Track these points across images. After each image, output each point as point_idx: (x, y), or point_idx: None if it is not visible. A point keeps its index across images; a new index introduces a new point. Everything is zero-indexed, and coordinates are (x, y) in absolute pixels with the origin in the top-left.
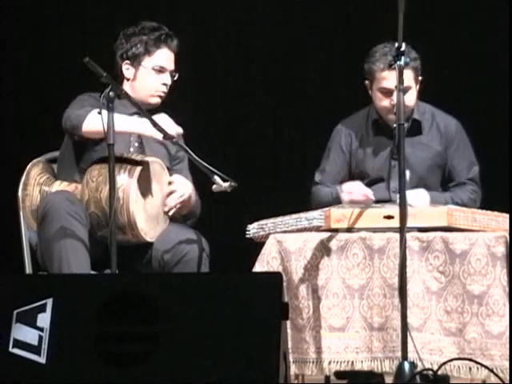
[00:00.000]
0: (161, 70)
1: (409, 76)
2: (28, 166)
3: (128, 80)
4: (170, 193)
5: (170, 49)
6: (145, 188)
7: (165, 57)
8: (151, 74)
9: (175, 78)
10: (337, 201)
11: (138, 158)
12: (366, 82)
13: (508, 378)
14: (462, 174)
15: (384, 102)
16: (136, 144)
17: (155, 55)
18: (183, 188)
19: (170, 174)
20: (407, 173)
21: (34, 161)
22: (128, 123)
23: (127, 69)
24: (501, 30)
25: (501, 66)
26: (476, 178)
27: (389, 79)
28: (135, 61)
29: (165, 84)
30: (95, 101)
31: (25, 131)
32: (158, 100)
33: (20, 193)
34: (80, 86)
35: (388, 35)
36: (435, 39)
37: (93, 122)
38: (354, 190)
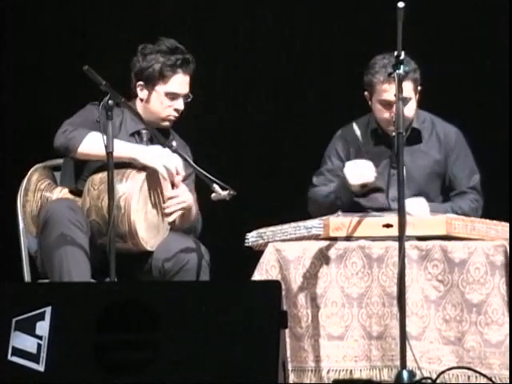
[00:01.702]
0: (174, 97)
1: (408, 87)
2: (29, 172)
3: (142, 100)
4: (171, 197)
5: (186, 73)
6: (147, 196)
7: (179, 82)
8: (164, 99)
9: (189, 100)
10: (344, 187)
11: (141, 166)
12: (366, 93)
13: None
14: (462, 183)
15: (385, 114)
16: None
17: (170, 82)
18: (184, 195)
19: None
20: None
21: (36, 166)
22: (126, 149)
23: (141, 89)
24: (501, 32)
25: (500, 75)
26: (477, 187)
27: (389, 91)
28: (149, 84)
29: (177, 110)
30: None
31: (26, 137)
32: (168, 124)
33: (21, 198)
34: (80, 93)
35: (387, 37)
36: (433, 46)
37: (90, 144)
38: (360, 170)
